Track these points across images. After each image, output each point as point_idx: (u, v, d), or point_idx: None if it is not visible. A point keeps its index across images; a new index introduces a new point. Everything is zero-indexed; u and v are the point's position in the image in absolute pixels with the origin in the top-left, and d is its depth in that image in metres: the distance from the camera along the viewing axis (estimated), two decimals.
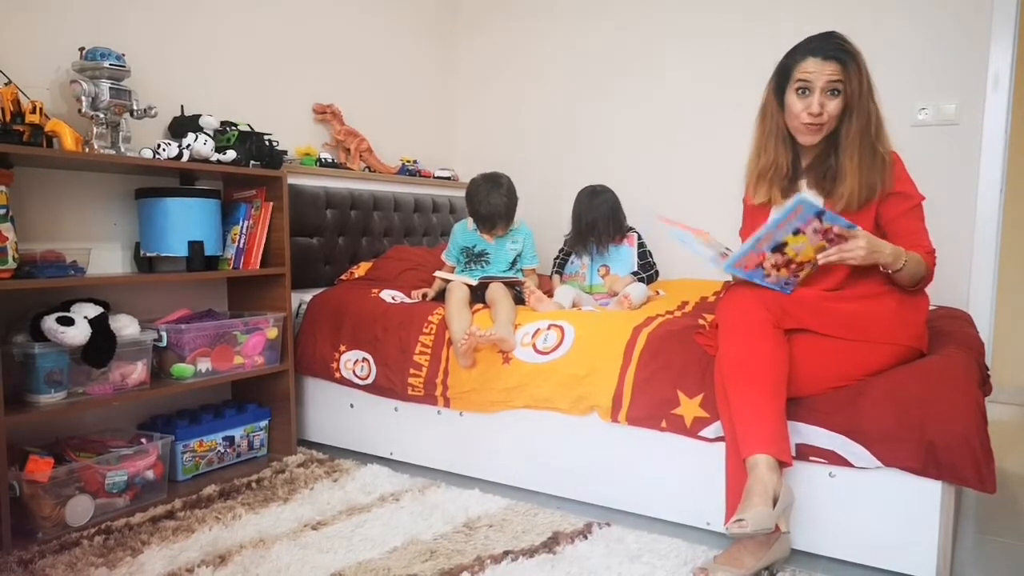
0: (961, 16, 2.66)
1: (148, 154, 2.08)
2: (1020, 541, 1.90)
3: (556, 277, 2.83)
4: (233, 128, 2.34)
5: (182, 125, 2.30)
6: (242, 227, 2.37)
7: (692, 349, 1.89)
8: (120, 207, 2.26)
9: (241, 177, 2.39)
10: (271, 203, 2.41)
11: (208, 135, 2.23)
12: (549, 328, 2.14)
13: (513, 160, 3.62)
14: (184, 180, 2.34)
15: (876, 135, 1.72)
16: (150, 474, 2.04)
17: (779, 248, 1.63)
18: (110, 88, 2.00)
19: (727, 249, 1.76)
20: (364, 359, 2.39)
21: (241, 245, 2.36)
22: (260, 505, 2.01)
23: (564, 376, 2.03)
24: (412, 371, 2.28)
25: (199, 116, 2.30)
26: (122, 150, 2.06)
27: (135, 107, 2.07)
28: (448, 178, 3.54)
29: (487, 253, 2.61)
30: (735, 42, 3.09)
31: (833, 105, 1.71)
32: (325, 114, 3.02)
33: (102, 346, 1.91)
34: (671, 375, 1.89)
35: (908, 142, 2.39)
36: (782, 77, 1.77)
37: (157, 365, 2.16)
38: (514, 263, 2.63)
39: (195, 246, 2.20)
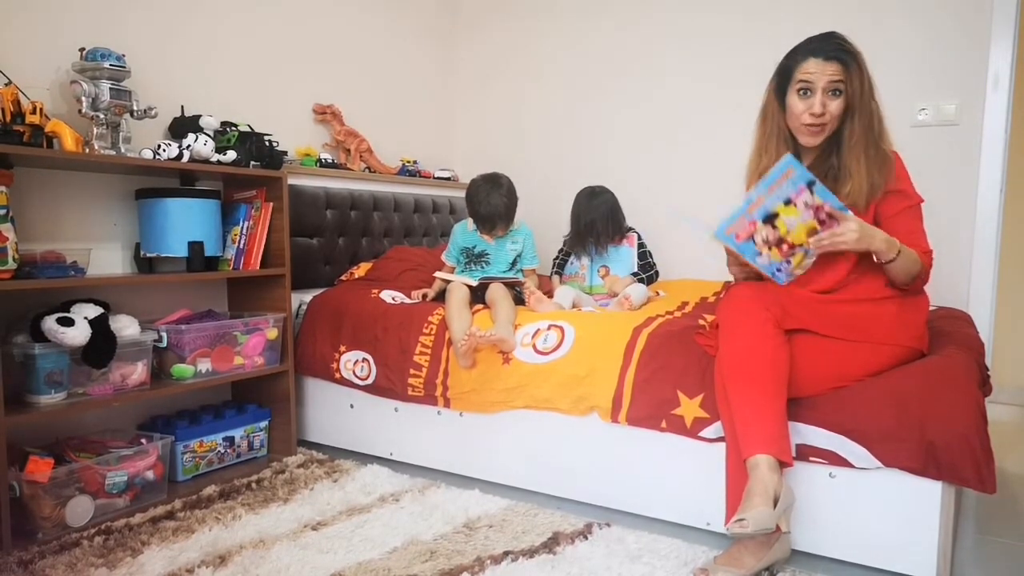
0: (961, 16, 2.66)
1: (148, 155, 2.08)
2: (1020, 541, 1.90)
3: (556, 277, 2.83)
4: (233, 128, 2.34)
5: (182, 125, 2.30)
6: (242, 227, 2.37)
7: (692, 349, 1.89)
8: (120, 207, 2.26)
9: (241, 177, 2.39)
10: (271, 203, 2.41)
11: (208, 135, 2.23)
12: (549, 328, 2.14)
13: (513, 160, 3.62)
14: (184, 180, 2.34)
15: (879, 134, 1.72)
16: (150, 474, 2.04)
17: (770, 219, 1.63)
18: (110, 88, 2.00)
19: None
20: (364, 359, 2.39)
21: (241, 246, 2.36)
22: (260, 505, 2.01)
23: (564, 376, 2.04)
24: (412, 371, 2.28)
25: (199, 116, 2.30)
26: (122, 150, 2.06)
27: (135, 107, 2.07)
28: (448, 178, 3.54)
29: (487, 253, 2.61)
30: (735, 42, 3.09)
31: (835, 105, 1.71)
32: (325, 114, 3.02)
33: (102, 347, 1.91)
34: (671, 375, 1.88)
35: (908, 142, 2.39)
36: (783, 78, 1.77)
37: (157, 365, 2.16)
38: (514, 263, 2.63)
39: (195, 246, 2.20)
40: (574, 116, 3.53)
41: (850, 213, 1.63)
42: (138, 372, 2.05)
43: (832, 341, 1.69)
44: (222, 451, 2.32)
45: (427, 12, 3.62)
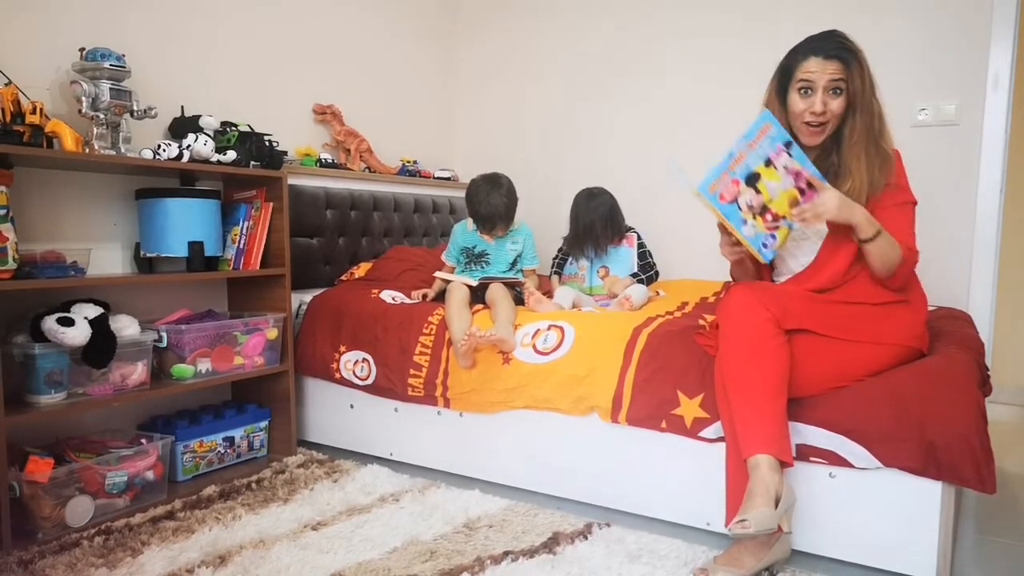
0: (961, 16, 2.66)
1: (148, 155, 2.08)
2: (1020, 541, 1.90)
3: (555, 277, 2.82)
4: (233, 128, 2.34)
5: (182, 125, 2.30)
6: (242, 228, 2.37)
7: (692, 349, 1.89)
8: (120, 207, 2.26)
9: (241, 178, 2.39)
10: (271, 204, 2.41)
11: (208, 135, 2.23)
12: (549, 328, 2.14)
13: (513, 160, 3.62)
14: (184, 181, 2.34)
15: (880, 132, 1.72)
16: (150, 475, 2.04)
17: (753, 182, 1.63)
18: (110, 89, 2.00)
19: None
20: (364, 359, 2.39)
21: (241, 246, 2.36)
22: (260, 506, 2.01)
23: (564, 376, 2.03)
24: (412, 371, 2.28)
25: (199, 116, 2.30)
26: (122, 151, 2.06)
27: (135, 107, 2.07)
28: (448, 178, 3.54)
29: (487, 254, 2.61)
30: (735, 42, 3.09)
31: (836, 104, 1.71)
32: (325, 114, 3.02)
33: (102, 347, 1.91)
34: (671, 375, 1.88)
35: (908, 142, 2.39)
36: (784, 77, 1.77)
37: (157, 366, 2.16)
38: (514, 263, 2.63)
39: (195, 246, 2.20)
40: (574, 116, 3.53)
41: (827, 184, 1.67)
42: (138, 372, 2.05)
43: (832, 341, 1.69)
44: (222, 451, 2.32)
45: (427, 12, 3.62)
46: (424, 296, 2.59)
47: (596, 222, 2.68)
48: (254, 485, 2.18)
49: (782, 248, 1.71)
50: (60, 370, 1.87)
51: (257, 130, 2.42)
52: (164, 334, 2.15)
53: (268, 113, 2.76)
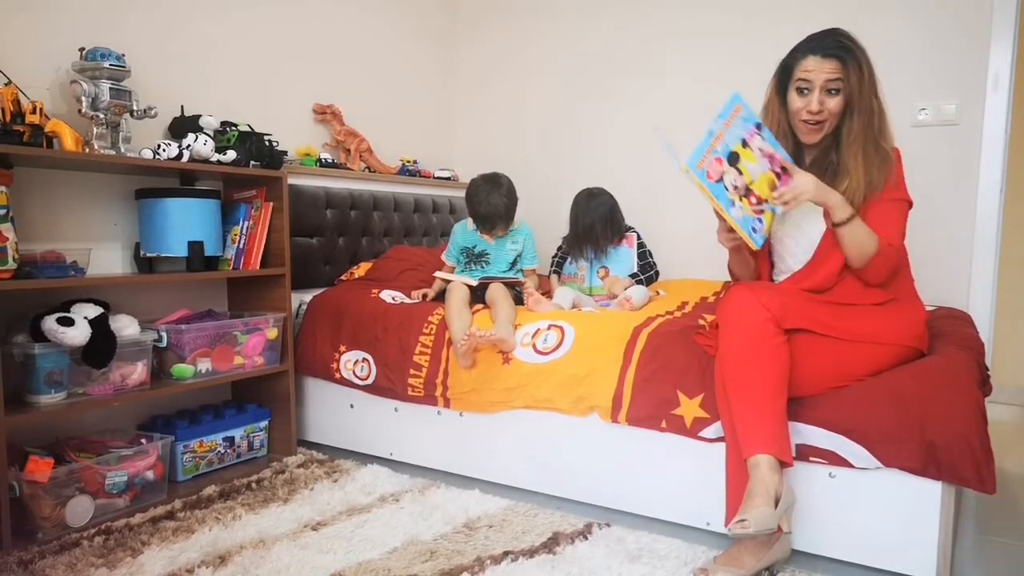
0: (961, 16, 2.66)
1: (148, 154, 2.08)
2: (1020, 541, 1.90)
3: (554, 277, 2.82)
4: (233, 128, 2.34)
5: (182, 125, 2.30)
6: (242, 227, 2.37)
7: (692, 349, 1.89)
8: (120, 207, 2.26)
9: (241, 177, 2.39)
10: (271, 203, 2.41)
11: (208, 135, 2.23)
12: (549, 328, 2.14)
13: (513, 160, 3.62)
14: (184, 180, 2.34)
15: (879, 131, 1.72)
16: (150, 474, 2.04)
17: (733, 161, 1.65)
18: (110, 88, 2.00)
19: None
20: (364, 359, 2.39)
21: (241, 245, 2.36)
22: (260, 505, 2.01)
23: (564, 376, 2.03)
24: (412, 371, 2.28)
25: (199, 116, 2.30)
26: (122, 150, 2.06)
27: (135, 107, 2.07)
28: (448, 178, 3.54)
29: (487, 253, 2.61)
30: (735, 42, 3.09)
31: (833, 103, 1.71)
32: (325, 114, 3.02)
33: (102, 346, 1.91)
34: (671, 375, 1.88)
35: (908, 142, 2.38)
36: (784, 75, 1.78)
37: (157, 365, 2.16)
38: (514, 263, 2.63)
39: (195, 246, 2.20)
40: (574, 116, 3.53)
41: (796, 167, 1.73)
42: (138, 372, 2.05)
43: (832, 341, 1.69)
44: (222, 451, 2.32)
45: (427, 12, 3.62)
46: (424, 296, 2.59)
47: (596, 223, 2.67)
48: (254, 485, 2.18)
49: (769, 233, 1.74)
50: (60, 370, 1.87)
51: (257, 130, 2.42)
52: (164, 334, 2.15)
53: (268, 113, 2.76)
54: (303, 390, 2.61)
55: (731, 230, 1.71)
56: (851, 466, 1.65)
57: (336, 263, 2.87)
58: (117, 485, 1.95)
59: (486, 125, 3.80)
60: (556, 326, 2.14)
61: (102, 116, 2.00)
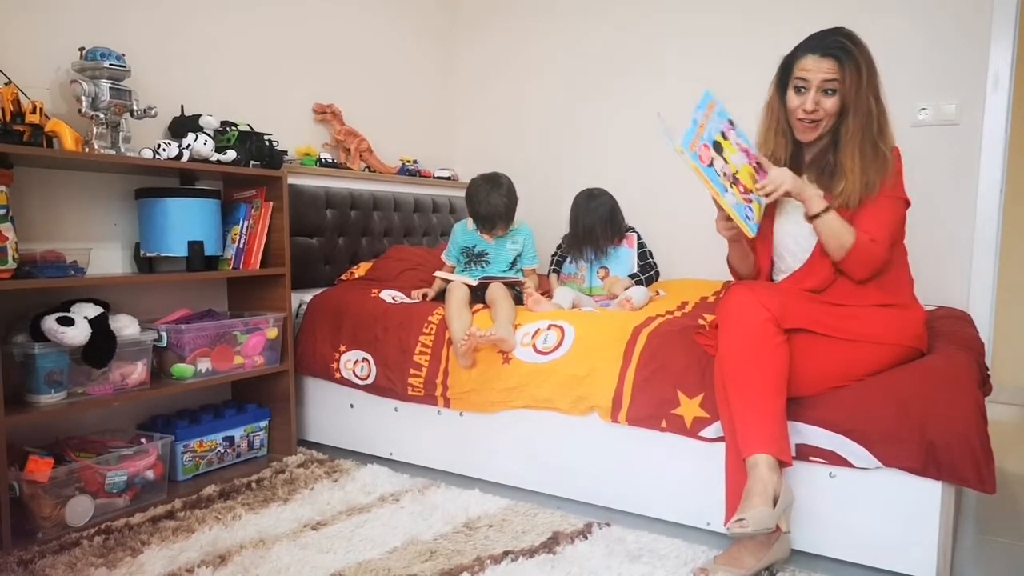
0: (961, 16, 2.66)
1: (148, 154, 2.08)
2: (1020, 541, 1.90)
3: (554, 276, 2.82)
4: (233, 128, 2.34)
5: (182, 125, 2.30)
6: (242, 227, 2.37)
7: (692, 349, 1.89)
8: (120, 207, 2.26)
9: (241, 177, 2.39)
10: (271, 203, 2.41)
11: (208, 135, 2.23)
12: (549, 328, 2.14)
13: (513, 160, 3.62)
14: (184, 180, 2.34)
15: (878, 133, 1.72)
16: (150, 474, 2.04)
17: (718, 150, 1.68)
18: (110, 88, 2.00)
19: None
20: (364, 359, 2.39)
21: (241, 245, 2.36)
22: (260, 505, 2.01)
23: (564, 376, 2.03)
24: (412, 371, 2.28)
25: (199, 116, 2.30)
26: (122, 150, 2.06)
27: (135, 107, 2.07)
28: (448, 178, 3.54)
29: (487, 253, 2.61)
30: (735, 42, 3.09)
31: (830, 103, 1.71)
32: (325, 114, 3.02)
33: (102, 346, 1.91)
34: (671, 375, 1.88)
35: (908, 142, 2.38)
36: (784, 73, 1.79)
37: (157, 365, 2.16)
38: (514, 263, 2.63)
39: (195, 246, 2.20)
40: (574, 116, 3.53)
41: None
42: (138, 372, 2.05)
43: (832, 341, 1.69)
44: (222, 451, 2.32)
45: (427, 12, 3.62)
46: (424, 296, 2.59)
47: (596, 223, 2.66)
48: (254, 485, 2.18)
49: (760, 222, 1.77)
50: (60, 370, 1.87)
51: (257, 130, 2.42)
52: (164, 334, 2.15)
53: (268, 113, 2.76)
54: (303, 390, 2.60)
55: (728, 218, 1.73)
56: (851, 466, 1.65)
57: (336, 263, 2.87)
58: (117, 485, 1.95)
59: (486, 125, 3.80)
60: (556, 326, 2.14)
61: (102, 116, 2.00)
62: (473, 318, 2.27)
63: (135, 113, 2.07)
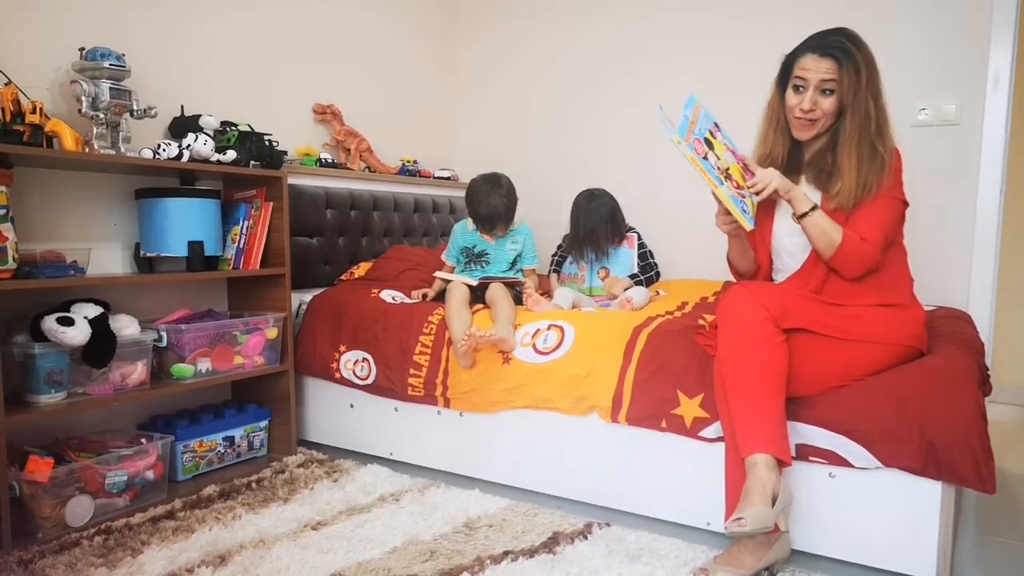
0: (961, 16, 2.66)
1: (148, 154, 2.08)
2: (1020, 541, 1.90)
3: (554, 276, 2.82)
4: (233, 128, 2.34)
5: (182, 125, 2.30)
6: (242, 227, 2.37)
7: (692, 349, 1.89)
8: (120, 207, 2.26)
9: (241, 177, 2.39)
10: (271, 203, 2.41)
11: (208, 135, 2.23)
12: (549, 328, 2.14)
13: (513, 160, 3.62)
14: (184, 180, 2.34)
15: (876, 134, 1.72)
16: (150, 474, 2.04)
17: (710, 147, 1.70)
18: (110, 88, 2.00)
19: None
20: (364, 359, 2.39)
21: (241, 245, 2.36)
22: (260, 505, 2.01)
23: (564, 376, 2.03)
24: (412, 371, 2.28)
25: (199, 116, 2.30)
26: (122, 150, 2.06)
27: (135, 107, 2.07)
28: (448, 178, 3.54)
29: (487, 253, 2.61)
30: (735, 42, 3.09)
31: (828, 103, 1.72)
32: (325, 114, 3.02)
33: (102, 346, 1.91)
34: (671, 375, 1.88)
35: (908, 142, 2.39)
36: (784, 71, 1.80)
37: (157, 365, 2.16)
38: (514, 263, 2.63)
39: (195, 246, 2.20)
40: (574, 116, 3.53)
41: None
42: (138, 372, 2.05)
43: (831, 341, 1.69)
44: (222, 451, 2.32)
45: (427, 12, 3.62)
46: (424, 296, 2.59)
47: (597, 224, 2.66)
48: (254, 485, 2.18)
49: (754, 217, 1.78)
50: (60, 370, 1.87)
51: (257, 130, 2.42)
52: (164, 334, 2.15)
53: (268, 113, 2.76)
54: (303, 390, 2.60)
55: (727, 212, 1.73)
56: (851, 466, 1.65)
57: (336, 263, 2.87)
58: (117, 485, 1.95)
59: (486, 125, 3.80)
60: (556, 326, 2.14)
61: (102, 116, 2.00)
62: (473, 318, 2.27)
63: (135, 113, 2.07)
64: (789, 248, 1.85)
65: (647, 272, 2.72)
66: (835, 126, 1.76)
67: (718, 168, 1.69)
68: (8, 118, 1.80)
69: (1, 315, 1.92)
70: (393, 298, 2.53)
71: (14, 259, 1.76)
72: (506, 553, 1.72)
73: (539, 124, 3.63)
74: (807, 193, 1.76)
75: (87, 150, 1.97)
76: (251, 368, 2.36)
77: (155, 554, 1.70)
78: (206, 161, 2.20)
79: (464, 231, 2.66)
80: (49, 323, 1.81)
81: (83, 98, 1.96)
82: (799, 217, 1.72)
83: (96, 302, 1.97)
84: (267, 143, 2.39)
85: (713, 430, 1.80)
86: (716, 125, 1.78)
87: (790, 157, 1.85)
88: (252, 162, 2.34)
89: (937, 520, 1.59)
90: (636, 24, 3.34)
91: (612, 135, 3.42)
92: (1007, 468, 2.49)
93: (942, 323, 2.08)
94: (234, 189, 2.48)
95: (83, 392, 1.93)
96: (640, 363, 1.94)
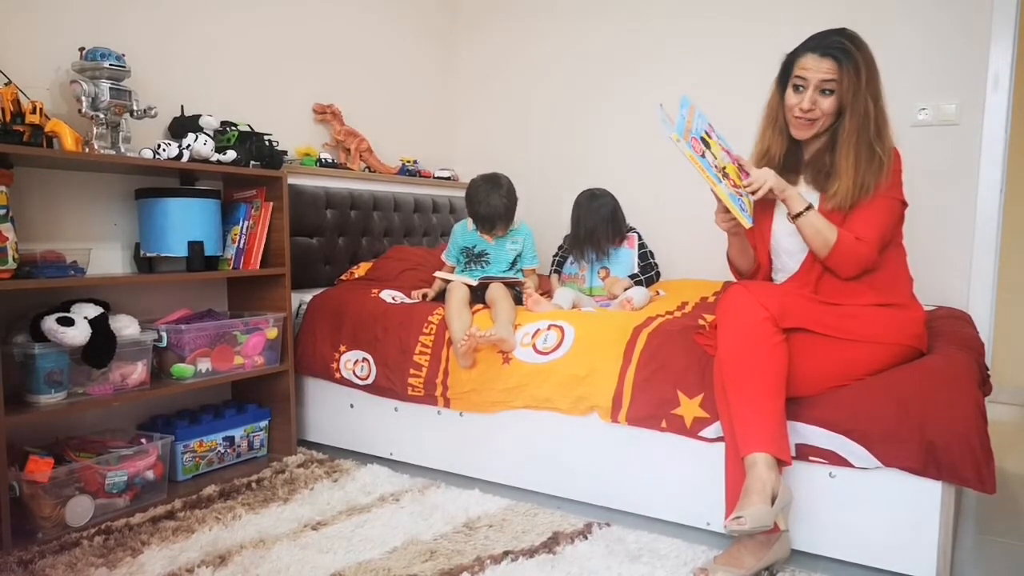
0: (961, 16, 2.66)
1: (148, 154, 2.08)
2: (1020, 541, 1.90)
3: (554, 276, 2.82)
4: (233, 128, 2.34)
5: (182, 125, 2.30)
6: (242, 227, 2.37)
7: (692, 349, 1.89)
8: (120, 207, 2.26)
9: (241, 177, 2.39)
10: (271, 203, 2.41)
11: (208, 135, 2.23)
12: (549, 328, 2.14)
13: (513, 160, 3.62)
14: (184, 180, 2.34)
15: (875, 134, 1.72)
16: (150, 474, 2.04)
17: (706, 144, 1.71)
18: (110, 88, 2.00)
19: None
20: (364, 359, 2.39)
21: (241, 245, 2.36)
22: (260, 505, 2.01)
23: (564, 376, 2.03)
24: (412, 371, 2.28)
25: (199, 116, 2.30)
26: (122, 150, 2.06)
27: (135, 107, 2.07)
28: (448, 178, 3.54)
29: (487, 253, 2.61)
30: (735, 42, 3.09)
31: (827, 103, 1.72)
32: (325, 114, 3.02)
33: (102, 346, 1.91)
34: (671, 375, 1.88)
35: (908, 142, 2.39)
36: (785, 71, 1.80)
37: (157, 365, 2.16)
38: (514, 263, 2.63)
39: (195, 246, 2.20)
40: (575, 116, 3.53)
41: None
42: (138, 372, 2.05)
43: (831, 340, 1.69)
44: (222, 451, 2.32)
45: (427, 12, 3.62)
46: (424, 296, 2.59)
47: (598, 225, 2.66)
48: (254, 485, 2.18)
49: (752, 215, 1.78)
50: (60, 370, 1.87)
51: (257, 130, 2.42)
52: (164, 334, 2.15)
53: (268, 113, 2.76)
54: (303, 390, 2.60)
55: (727, 210, 1.74)
56: (851, 466, 1.65)
57: (336, 263, 2.87)
58: (117, 485, 1.95)
59: (486, 125, 3.80)
60: (556, 326, 2.14)
61: (102, 116, 2.00)
62: (473, 318, 2.27)
63: (135, 113, 2.07)
64: (788, 247, 1.85)
65: (647, 272, 2.72)
66: (834, 126, 1.76)
67: (715, 167, 1.70)
68: (8, 118, 1.80)
69: (1, 315, 1.92)
70: (393, 298, 2.53)
71: (14, 259, 1.76)
72: (506, 553, 1.72)
73: (539, 124, 3.63)
74: (805, 193, 1.77)
75: (87, 150, 1.97)
76: (251, 368, 2.36)
77: (155, 554, 1.70)
78: (206, 161, 2.20)
79: (464, 231, 2.66)
80: (49, 323, 1.81)
81: (83, 98, 1.96)
82: (794, 217, 1.73)
83: (96, 302, 1.97)
84: (267, 143, 2.39)
85: (713, 430, 1.80)
86: (710, 126, 1.79)
87: (788, 157, 1.85)
88: (252, 162, 2.34)
89: (937, 520, 1.59)
90: (636, 24, 3.34)
91: (612, 135, 3.42)
92: (1007, 468, 2.49)
93: (942, 323, 2.08)
94: (234, 189, 2.48)
95: (83, 392, 1.93)
96: (640, 363, 1.94)
